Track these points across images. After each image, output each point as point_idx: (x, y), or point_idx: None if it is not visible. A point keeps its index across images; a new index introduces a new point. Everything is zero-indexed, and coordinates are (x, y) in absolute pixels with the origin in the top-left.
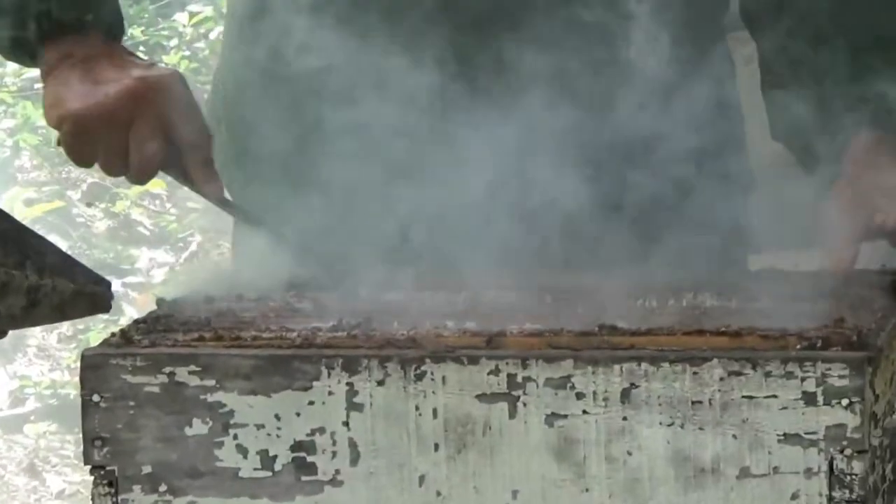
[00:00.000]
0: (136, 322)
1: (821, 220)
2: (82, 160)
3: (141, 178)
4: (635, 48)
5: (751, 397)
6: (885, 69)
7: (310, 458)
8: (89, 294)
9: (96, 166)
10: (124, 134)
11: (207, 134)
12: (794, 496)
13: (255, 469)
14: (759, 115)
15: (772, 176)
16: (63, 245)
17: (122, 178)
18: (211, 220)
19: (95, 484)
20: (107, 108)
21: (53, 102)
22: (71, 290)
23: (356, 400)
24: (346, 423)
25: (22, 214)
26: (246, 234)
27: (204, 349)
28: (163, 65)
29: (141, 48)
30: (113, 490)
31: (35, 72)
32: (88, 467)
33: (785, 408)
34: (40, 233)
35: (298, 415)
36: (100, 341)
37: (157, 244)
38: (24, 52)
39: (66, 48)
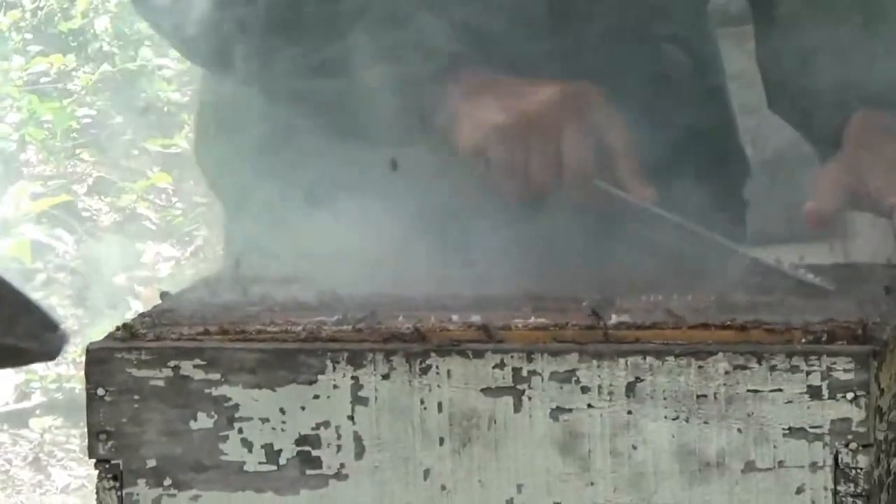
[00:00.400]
0: (142, 315)
1: (813, 183)
2: (513, 173)
3: (576, 187)
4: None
5: (756, 391)
6: (881, 42)
7: (315, 452)
8: (24, 349)
9: None
10: (556, 141)
11: (633, 141)
12: (800, 490)
13: (260, 463)
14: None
15: (778, 168)
16: (69, 239)
17: (128, 173)
18: (216, 215)
19: (100, 478)
20: (536, 115)
21: (473, 124)
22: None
23: (361, 394)
24: (351, 417)
25: (28, 209)
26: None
27: (209, 343)
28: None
29: (147, 42)
30: (118, 484)
31: (40, 66)
32: (93, 461)
33: (790, 402)
34: (43, 231)
35: (303, 408)
36: (105, 335)
37: (162, 238)
38: None
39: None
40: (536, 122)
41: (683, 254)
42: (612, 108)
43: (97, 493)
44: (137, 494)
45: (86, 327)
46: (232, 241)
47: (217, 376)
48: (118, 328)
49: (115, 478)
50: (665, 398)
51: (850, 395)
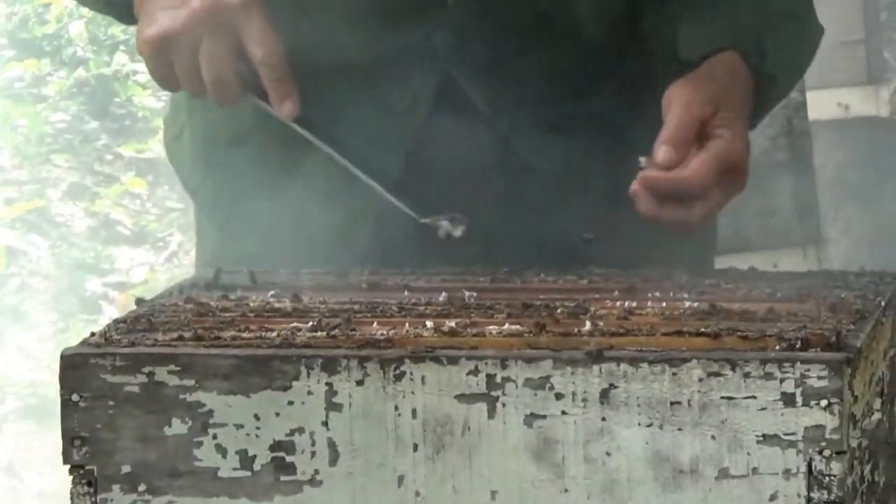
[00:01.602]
0: (116, 322)
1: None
2: (164, 83)
3: (221, 97)
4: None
5: (730, 398)
6: None
7: (289, 458)
8: None
9: None
10: (194, 53)
11: (279, 51)
12: (773, 497)
13: (235, 469)
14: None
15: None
16: (43, 244)
17: (102, 179)
18: (190, 220)
19: (74, 483)
20: (175, 29)
21: (137, 31)
22: None
23: (335, 400)
24: (326, 424)
25: (1, 214)
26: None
27: (183, 349)
28: None
29: (121, 47)
30: (92, 490)
31: (14, 70)
32: (67, 467)
33: (764, 409)
34: (17, 236)
35: (278, 415)
36: (79, 341)
37: (137, 243)
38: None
39: None
40: (177, 36)
41: None
42: (264, 19)
43: (71, 498)
44: (112, 500)
45: (60, 333)
46: (204, 247)
47: (191, 382)
48: (93, 334)
49: (89, 483)
50: (639, 405)
51: (823, 403)
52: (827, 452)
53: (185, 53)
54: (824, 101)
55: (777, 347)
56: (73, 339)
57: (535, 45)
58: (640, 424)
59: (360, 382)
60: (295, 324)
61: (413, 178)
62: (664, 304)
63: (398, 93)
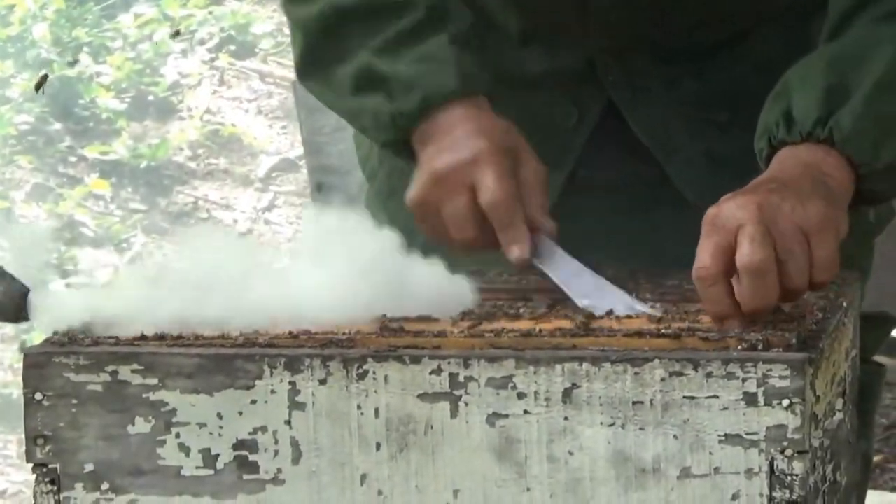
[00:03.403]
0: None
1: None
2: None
3: (463, 250)
4: None
5: (692, 398)
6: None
7: (252, 457)
8: None
9: None
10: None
11: (506, 198)
12: (735, 496)
13: (198, 467)
14: None
15: None
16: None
17: (65, 180)
18: (154, 222)
19: (38, 482)
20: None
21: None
22: None
23: (298, 399)
24: (289, 422)
25: None
26: None
27: (146, 348)
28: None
29: (85, 49)
30: (55, 488)
31: None
32: (31, 466)
33: (726, 408)
34: None
35: (241, 414)
36: (42, 340)
37: (100, 245)
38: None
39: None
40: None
41: None
42: (491, 170)
43: (34, 497)
44: (75, 499)
45: (23, 333)
46: None
47: (154, 381)
48: (56, 333)
49: (52, 482)
50: (601, 404)
51: (785, 403)
52: (789, 452)
53: (433, 214)
54: None
55: (739, 348)
56: (36, 340)
57: (690, 72)
58: (602, 424)
59: (323, 381)
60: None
61: (571, 197)
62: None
63: (566, 109)
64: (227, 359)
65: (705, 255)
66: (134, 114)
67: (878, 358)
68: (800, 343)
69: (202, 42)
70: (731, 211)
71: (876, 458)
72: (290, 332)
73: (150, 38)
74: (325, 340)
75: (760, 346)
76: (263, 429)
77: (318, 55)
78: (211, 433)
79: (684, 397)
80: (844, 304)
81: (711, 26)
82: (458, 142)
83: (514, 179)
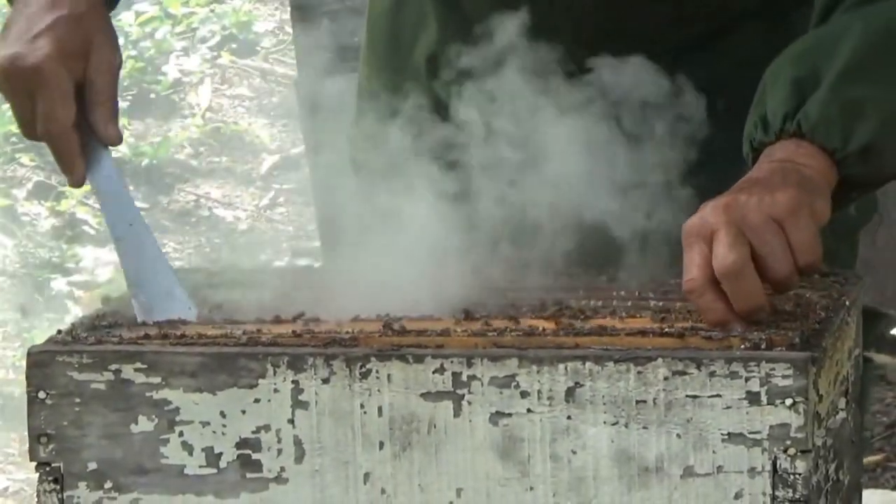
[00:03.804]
0: (83, 320)
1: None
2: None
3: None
4: None
5: (695, 397)
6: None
7: (255, 456)
8: None
9: None
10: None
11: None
12: (738, 495)
13: (201, 466)
14: None
15: None
16: (9, 243)
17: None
18: (155, 220)
19: (41, 480)
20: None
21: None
22: None
23: (301, 398)
24: (292, 421)
25: None
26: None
27: (149, 347)
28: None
29: None
30: (58, 487)
31: None
32: (33, 464)
33: (729, 407)
34: None
35: (244, 412)
36: (46, 339)
37: (102, 243)
38: None
39: None
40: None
41: None
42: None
43: (38, 496)
44: (78, 497)
45: (26, 331)
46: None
47: (158, 380)
48: (59, 332)
49: (55, 481)
50: (604, 403)
51: (788, 401)
52: (792, 451)
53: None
54: None
55: (742, 347)
56: (39, 339)
57: (668, 67)
58: (605, 423)
59: (326, 380)
60: (260, 321)
61: None
62: (629, 304)
63: None
64: (230, 357)
65: (691, 267)
66: (135, 112)
67: (879, 357)
68: (803, 342)
69: (204, 40)
70: (705, 219)
71: (877, 457)
72: (294, 331)
73: (151, 36)
74: (329, 339)
75: (763, 345)
76: (266, 427)
77: None
78: (214, 432)
79: (687, 396)
80: (847, 303)
81: (687, 21)
82: (26, 29)
83: (71, 102)
